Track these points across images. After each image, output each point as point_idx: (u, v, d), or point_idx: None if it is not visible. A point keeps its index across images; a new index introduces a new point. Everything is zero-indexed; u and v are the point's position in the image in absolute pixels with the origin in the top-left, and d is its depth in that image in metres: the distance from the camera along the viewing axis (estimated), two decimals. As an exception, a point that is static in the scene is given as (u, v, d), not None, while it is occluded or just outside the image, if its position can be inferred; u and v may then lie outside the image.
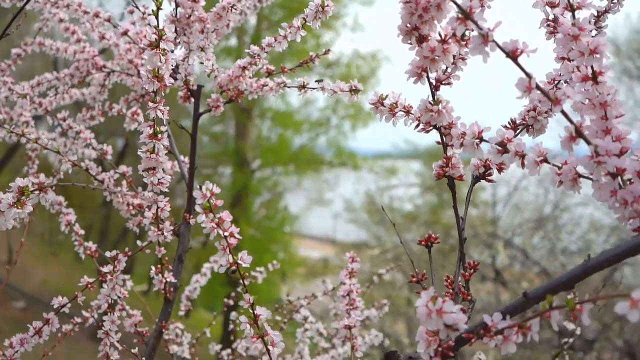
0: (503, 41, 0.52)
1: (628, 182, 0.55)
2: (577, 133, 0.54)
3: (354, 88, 0.89)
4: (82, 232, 1.15)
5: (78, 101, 1.41)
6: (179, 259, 1.06)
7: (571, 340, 1.14)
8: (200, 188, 0.64)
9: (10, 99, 1.26)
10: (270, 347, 0.68)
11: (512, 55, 0.53)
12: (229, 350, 1.43)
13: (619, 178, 0.55)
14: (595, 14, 0.75)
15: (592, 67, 0.56)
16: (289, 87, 1.01)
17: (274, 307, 1.50)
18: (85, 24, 1.20)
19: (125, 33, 1.10)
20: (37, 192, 0.70)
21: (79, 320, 1.19)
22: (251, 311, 0.68)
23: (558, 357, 1.10)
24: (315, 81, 0.98)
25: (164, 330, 1.03)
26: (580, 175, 0.57)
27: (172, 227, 0.95)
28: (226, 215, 0.66)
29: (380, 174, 11.10)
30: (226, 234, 0.65)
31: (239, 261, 0.66)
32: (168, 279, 1.00)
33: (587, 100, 0.58)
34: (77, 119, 1.26)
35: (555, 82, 0.72)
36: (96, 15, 1.13)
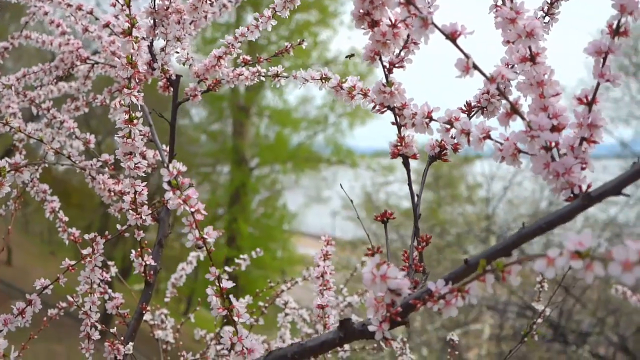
0: (442, 24, 0.56)
1: (564, 156, 0.59)
2: (513, 109, 0.58)
3: (324, 76, 0.92)
4: (66, 218, 1.18)
5: (67, 94, 1.45)
6: (159, 243, 1.09)
7: (540, 320, 1.17)
8: (168, 167, 0.68)
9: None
10: (235, 318, 0.72)
11: (451, 37, 0.56)
12: (212, 335, 1.47)
13: (555, 152, 0.59)
14: (549, 1, 0.79)
15: (529, 48, 0.60)
16: (263, 76, 1.04)
17: (262, 295, 1.54)
18: (69, 17, 1.23)
19: (107, 25, 1.13)
20: (13, 172, 0.73)
21: (63, 304, 1.23)
22: (217, 284, 0.72)
23: (527, 337, 1.14)
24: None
25: (144, 312, 1.06)
26: (520, 151, 0.61)
27: (150, 211, 0.99)
28: (192, 193, 0.69)
29: (377, 171, 11.14)
30: (193, 210, 0.68)
31: (205, 236, 0.70)
32: (148, 262, 1.04)
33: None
34: (62, 109, 1.30)
35: (509, 66, 0.75)
36: (79, 8, 1.17)
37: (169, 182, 0.68)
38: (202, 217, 0.70)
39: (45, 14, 1.28)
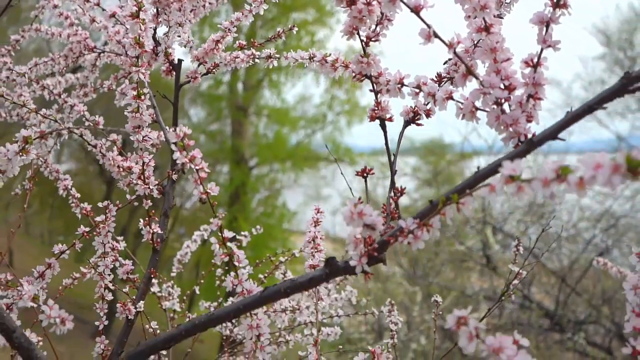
0: (407, -1, 0.66)
1: (513, 111, 0.69)
2: (468, 71, 0.68)
3: (312, 56, 1.02)
4: (78, 195, 1.28)
5: (73, 85, 1.55)
6: (165, 214, 1.19)
7: (517, 282, 1.27)
8: (175, 129, 0.77)
9: (10, 78, 1.40)
10: (236, 264, 0.82)
11: (415, 9, 0.66)
12: (215, 304, 1.57)
13: (506, 107, 0.69)
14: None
15: (484, 20, 0.70)
16: (258, 58, 1.14)
17: (262, 267, 1.63)
18: (77, 9, 1.33)
19: (113, 15, 1.23)
20: (38, 139, 0.83)
21: (77, 275, 1.32)
22: (220, 234, 0.82)
23: (504, 296, 1.24)
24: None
25: (152, 277, 1.16)
26: (477, 108, 0.70)
27: (157, 182, 1.08)
28: (197, 153, 0.79)
29: (376, 168, 11.23)
30: (197, 167, 0.78)
31: (209, 190, 0.79)
32: (155, 231, 1.14)
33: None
34: (72, 95, 1.40)
35: (474, 41, 0.85)
36: (87, 0, 1.27)
37: (176, 143, 0.77)
38: (206, 174, 0.80)
39: (55, 7, 1.37)
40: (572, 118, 0.61)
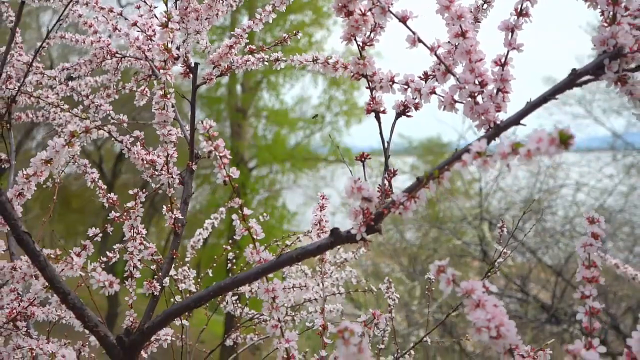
0: (396, 10, 0.80)
1: (484, 102, 0.83)
2: (447, 70, 0.82)
3: (314, 58, 1.16)
4: (104, 187, 1.41)
5: (93, 88, 1.68)
6: (184, 201, 1.33)
7: (502, 260, 1.41)
8: (202, 121, 0.91)
9: (38, 82, 1.53)
10: (254, 237, 0.96)
11: (403, 20, 0.80)
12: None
13: (480, 99, 0.82)
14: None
15: (460, 27, 0.84)
16: (266, 61, 1.28)
17: (271, 250, 1.77)
18: (99, 17, 1.47)
19: (134, 24, 1.37)
20: (84, 133, 0.97)
21: (104, 259, 1.46)
22: (240, 211, 0.95)
23: (491, 272, 1.38)
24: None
25: (174, 257, 1.30)
26: (455, 101, 0.84)
27: (179, 172, 1.22)
28: (221, 142, 0.93)
29: (376, 169, 11.38)
30: (221, 154, 0.92)
31: (230, 174, 0.93)
32: (176, 216, 1.28)
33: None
34: (96, 97, 1.53)
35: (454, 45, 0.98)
36: (110, 10, 1.41)
37: (203, 134, 0.91)
38: (228, 160, 0.94)
39: (80, 16, 1.51)
40: (531, 107, 0.75)
